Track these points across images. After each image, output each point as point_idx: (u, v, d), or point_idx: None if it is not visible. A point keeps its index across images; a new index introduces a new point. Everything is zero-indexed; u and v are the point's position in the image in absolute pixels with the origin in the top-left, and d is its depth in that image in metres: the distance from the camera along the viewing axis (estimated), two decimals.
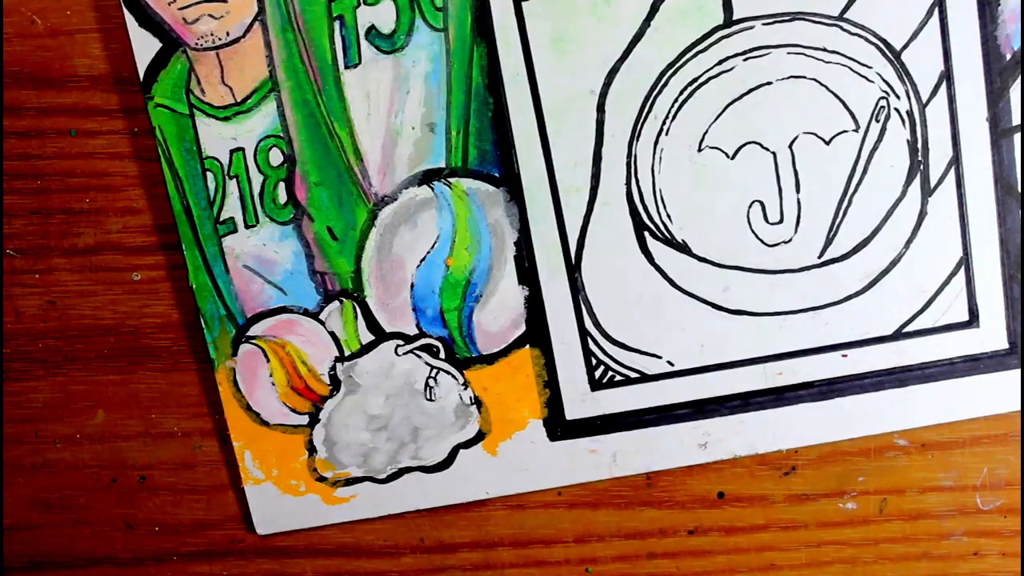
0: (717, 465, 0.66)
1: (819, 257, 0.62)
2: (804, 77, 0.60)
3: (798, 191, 0.61)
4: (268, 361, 0.64)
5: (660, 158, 0.61)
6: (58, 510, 0.69)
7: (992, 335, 0.63)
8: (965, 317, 0.62)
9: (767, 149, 0.61)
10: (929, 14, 0.59)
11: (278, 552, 0.69)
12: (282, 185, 0.62)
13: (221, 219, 0.62)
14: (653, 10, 0.60)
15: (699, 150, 0.61)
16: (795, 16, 0.60)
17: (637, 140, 0.61)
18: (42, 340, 0.66)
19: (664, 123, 0.61)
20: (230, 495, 0.68)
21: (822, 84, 0.60)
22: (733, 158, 0.61)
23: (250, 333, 0.64)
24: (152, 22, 0.60)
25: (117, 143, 0.63)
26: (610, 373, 0.64)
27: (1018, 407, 0.64)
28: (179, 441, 0.67)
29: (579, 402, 0.64)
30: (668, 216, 0.62)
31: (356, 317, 0.63)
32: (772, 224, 0.62)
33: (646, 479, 0.66)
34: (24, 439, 0.68)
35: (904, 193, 0.61)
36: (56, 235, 0.64)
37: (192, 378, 0.66)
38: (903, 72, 0.60)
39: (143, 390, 0.67)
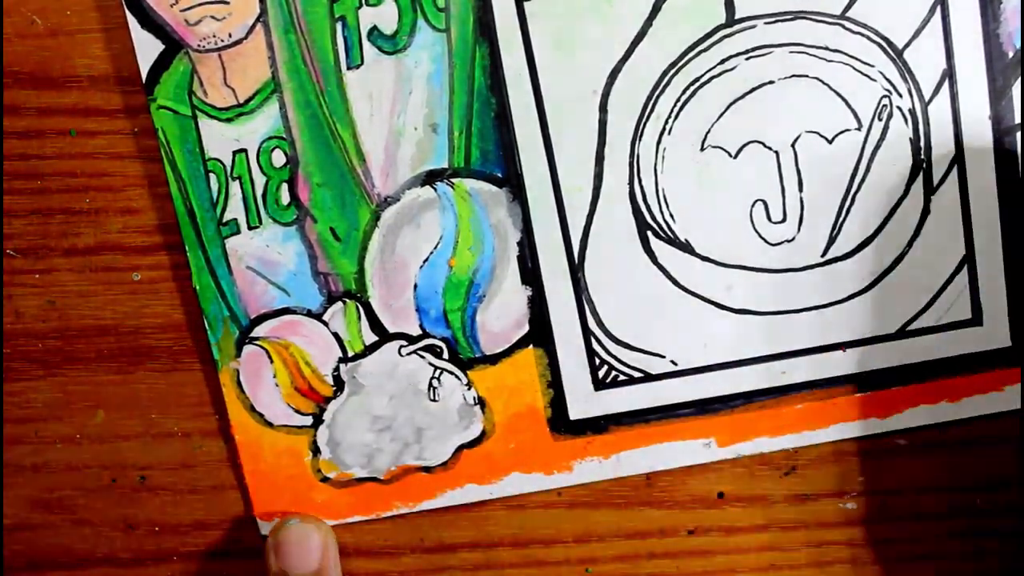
0: (717, 465, 0.66)
1: (822, 256, 0.62)
2: (806, 76, 0.60)
3: (801, 190, 0.61)
4: (272, 362, 0.64)
5: (663, 158, 0.61)
6: (58, 510, 0.69)
7: (995, 334, 0.63)
8: (968, 315, 0.62)
9: (770, 148, 0.61)
10: (931, 12, 0.59)
11: None
12: (285, 186, 0.62)
13: (224, 220, 0.62)
14: (655, 10, 0.59)
15: (701, 149, 0.61)
16: (797, 15, 0.60)
17: (640, 140, 0.61)
18: (42, 340, 0.66)
19: (666, 123, 0.61)
20: (230, 495, 0.68)
21: (824, 83, 0.60)
22: (736, 157, 0.61)
23: (254, 334, 0.64)
24: (154, 24, 0.60)
25: (117, 143, 0.63)
26: (613, 373, 0.64)
27: (1018, 407, 0.64)
28: (179, 441, 0.67)
29: (582, 402, 0.64)
30: (671, 215, 0.62)
31: (359, 318, 0.63)
32: (775, 223, 0.62)
33: (646, 479, 0.66)
34: (24, 439, 0.68)
35: (907, 191, 0.61)
36: (56, 235, 0.64)
37: (193, 378, 0.66)
38: (905, 70, 0.60)
39: (143, 390, 0.67)
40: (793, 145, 0.61)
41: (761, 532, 0.67)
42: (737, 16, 0.60)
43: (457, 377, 0.64)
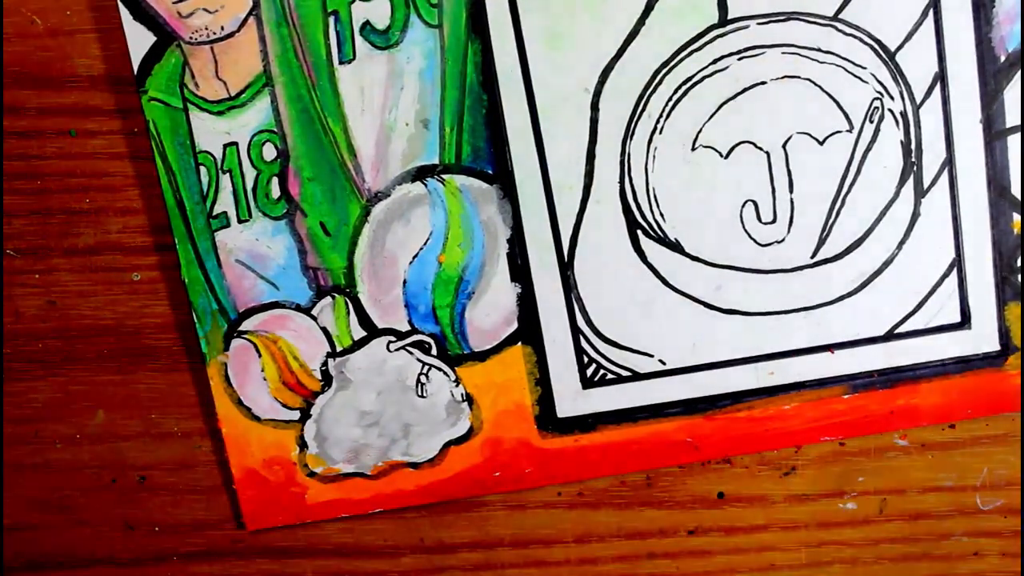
0: (717, 465, 0.66)
1: (812, 257, 0.62)
2: (798, 77, 0.60)
3: (791, 191, 0.61)
4: (260, 356, 0.64)
5: (653, 157, 0.61)
6: (58, 510, 0.69)
7: (984, 337, 0.62)
8: (957, 319, 0.62)
9: (761, 149, 0.61)
10: (924, 15, 0.60)
11: (278, 552, 0.69)
12: (275, 180, 0.62)
13: (214, 213, 0.62)
14: (648, 8, 0.60)
15: (693, 149, 0.61)
16: (790, 16, 0.60)
17: (631, 138, 0.61)
18: (42, 340, 0.67)
19: (658, 122, 0.61)
20: (230, 495, 0.68)
21: (816, 84, 0.60)
22: (727, 157, 0.61)
23: (242, 328, 0.64)
24: (146, 16, 0.60)
25: (117, 143, 0.63)
26: (602, 371, 0.64)
27: (1018, 407, 0.64)
28: (179, 441, 0.68)
29: (571, 400, 0.64)
30: (661, 215, 0.62)
31: (348, 313, 0.64)
32: (765, 224, 0.62)
33: (646, 479, 0.66)
34: (24, 439, 0.68)
35: (897, 194, 0.61)
36: (56, 235, 0.65)
37: (192, 378, 0.66)
38: (897, 73, 0.60)
39: (143, 390, 0.67)
40: (784, 146, 0.61)
41: (761, 532, 0.67)
42: (730, 16, 0.60)
43: (445, 373, 0.64)
